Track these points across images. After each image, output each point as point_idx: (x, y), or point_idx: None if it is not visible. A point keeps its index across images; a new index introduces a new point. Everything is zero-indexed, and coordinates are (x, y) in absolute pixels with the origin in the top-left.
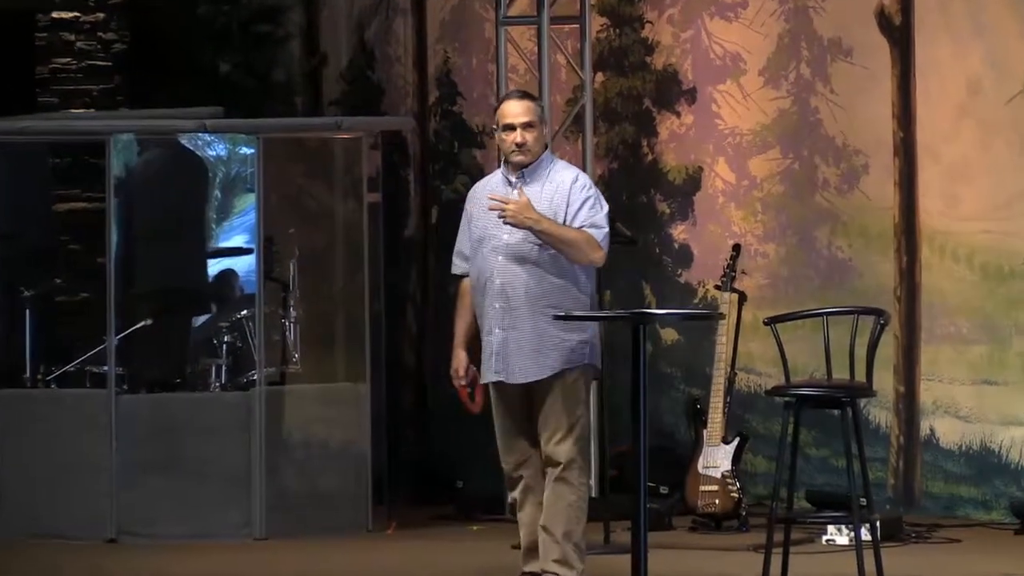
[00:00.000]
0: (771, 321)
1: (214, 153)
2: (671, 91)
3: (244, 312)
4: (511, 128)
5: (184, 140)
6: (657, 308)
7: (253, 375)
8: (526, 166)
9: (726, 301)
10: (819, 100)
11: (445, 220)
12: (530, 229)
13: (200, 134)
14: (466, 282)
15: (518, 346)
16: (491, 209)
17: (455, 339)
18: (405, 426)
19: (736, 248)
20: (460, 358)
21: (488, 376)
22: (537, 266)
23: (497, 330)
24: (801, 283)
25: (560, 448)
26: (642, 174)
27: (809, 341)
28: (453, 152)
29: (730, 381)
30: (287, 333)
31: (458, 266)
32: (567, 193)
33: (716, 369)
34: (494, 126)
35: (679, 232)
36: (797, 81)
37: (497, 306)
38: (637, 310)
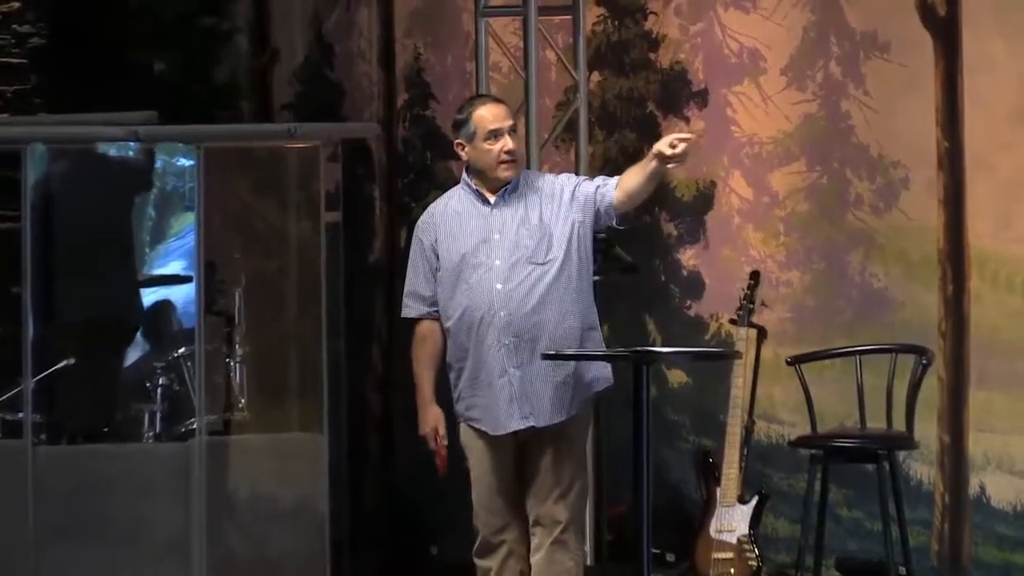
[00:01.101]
0: (795, 361)
1: (147, 165)
2: (679, 93)
3: (182, 350)
4: (498, 135)
5: (112, 150)
6: (662, 345)
7: (192, 423)
8: (509, 181)
9: (743, 337)
10: (851, 104)
11: None
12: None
13: (131, 143)
14: (425, 326)
15: (543, 383)
16: (676, 147)
17: (421, 394)
18: (369, 482)
19: (755, 276)
20: (436, 415)
21: (510, 424)
22: (546, 287)
23: (512, 369)
24: (830, 316)
25: (561, 505)
26: None
27: (839, 384)
28: (425, 163)
29: (747, 431)
30: (232, 374)
31: (412, 308)
32: (558, 199)
33: (731, 417)
34: (460, 140)
35: (688, 257)
36: (825, 82)
37: (507, 342)
38: (639, 348)
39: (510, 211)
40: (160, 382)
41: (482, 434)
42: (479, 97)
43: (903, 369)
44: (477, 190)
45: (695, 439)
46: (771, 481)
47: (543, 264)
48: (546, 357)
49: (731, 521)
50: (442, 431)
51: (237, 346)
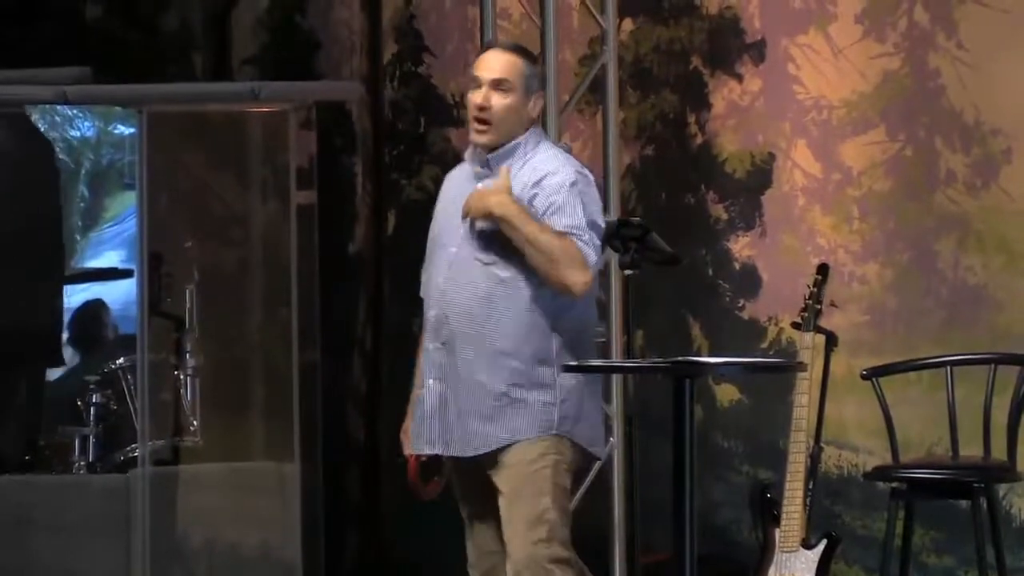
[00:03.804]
0: (872, 374)
1: (78, 133)
2: (730, 45)
3: (120, 361)
4: (477, 84)
5: (34, 114)
6: (709, 355)
7: (134, 450)
8: (491, 149)
9: (808, 345)
10: (941, 58)
11: (407, 229)
12: (490, 216)
13: (58, 106)
14: None
15: (457, 404)
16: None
17: (414, 389)
18: (350, 523)
19: (822, 270)
20: (408, 423)
21: (418, 445)
22: (488, 289)
23: (432, 381)
24: (915, 319)
25: (514, 551)
26: (688, 164)
27: (926, 402)
28: (418, 132)
29: (814, 460)
30: (182, 391)
31: (423, 284)
32: (532, 198)
33: (794, 443)
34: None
35: (741, 247)
36: (909, 31)
37: (433, 347)
38: (681, 358)
39: (489, 183)
40: (94, 400)
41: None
42: (493, 41)
43: (1005, 384)
44: (471, 157)
45: (749, 470)
46: (842, 521)
47: (489, 264)
48: (568, 369)
49: (793, 570)
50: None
51: (189, 356)
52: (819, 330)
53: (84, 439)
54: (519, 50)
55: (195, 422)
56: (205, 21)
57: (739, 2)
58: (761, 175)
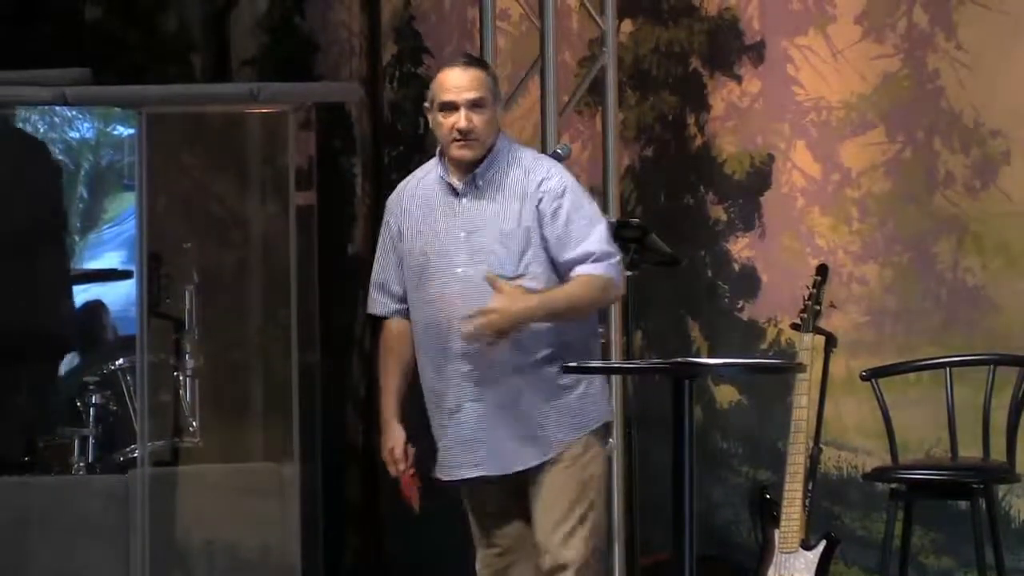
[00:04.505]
0: (871, 375)
1: (77, 134)
2: (729, 47)
3: (120, 362)
4: (451, 108)
5: (34, 115)
6: (708, 355)
7: (133, 451)
8: (476, 164)
9: (807, 346)
10: (940, 59)
11: None
12: (529, 321)
13: (58, 107)
14: (394, 326)
15: (502, 421)
16: (471, 337)
17: (384, 408)
18: (349, 525)
19: (822, 271)
20: (396, 435)
21: (460, 471)
22: None
23: (468, 404)
24: (915, 320)
25: (567, 547)
26: (688, 165)
27: (925, 403)
28: (417, 133)
29: (813, 461)
30: (182, 391)
31: (379, 303)
32: (537, 204)
33: (793, 444)
34: (426, 104)
35: (740, 248)
36: (909, 32)
37: (464, 370)
38: (680, 359)
39: (482, 204)
40: (93, 401)
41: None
42: (450, 59)
43: (1004, 385)
44: (442, 174)
45: (749, 471)
46: (842, 522)
47: (513, 279)
48: (567, 370)
49: (793, 570)
50: (399, 453)
51: (188, 357)
52: (818, 331)
53: (83, 440)
54: (479, 63)
55: (194, 423)
56: (204, 22)
57: (738, 3)
58: (760, 176)
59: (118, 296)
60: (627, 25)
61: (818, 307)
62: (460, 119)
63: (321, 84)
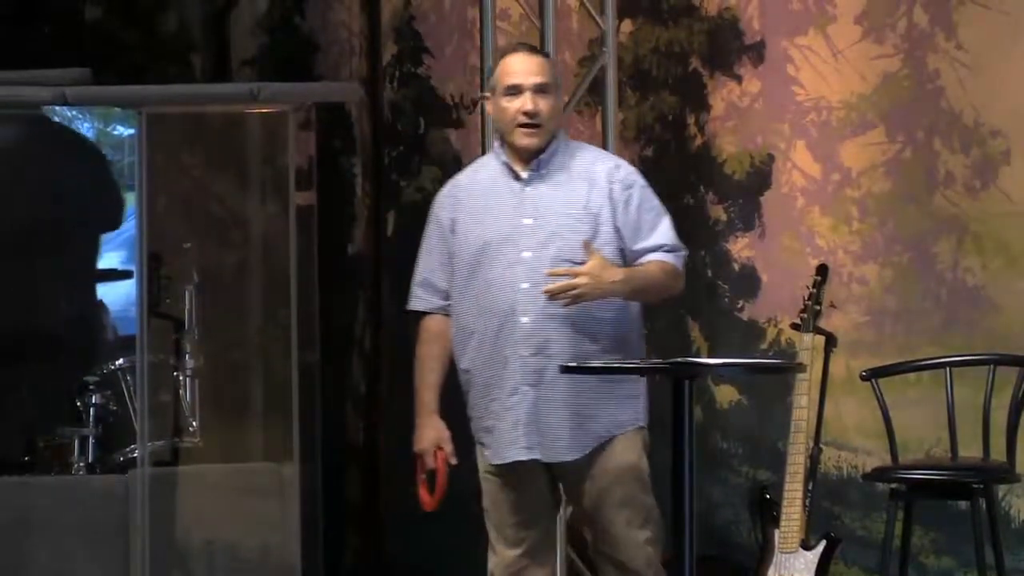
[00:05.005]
0: (871, 375)
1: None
2: (729, 46)
3: (120, 362)
4: (517, 91)
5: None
6: (708, 355)
7: (133, 451)
8: (540, 151)
9: (807, 346)
10: (940, 59)
11: (406, 230)
12: (610, 295)
13: (57, 107)
14: (435, 323)
15: (555, 409)
16: (553, 295)
17: (421, 403)
18: (349, 525)
19: (822, 271)
20: (437, 429)
21: (509, 453)
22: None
23: (526, 388)
24: (914, 320)
25: (641, 549)
26: (688, 165)
27: (925, 403)
28: (418, 133)
29: (813, 461)
30: (182, 391)
31: (422, 300)
32: (610, 191)
33: (793, 444)
34: (486, 94)
35: (740, 248)
36: (909, 32)
37: (524, 354)
38: (679, 359)
39: (548, 189)
40: (93, 401)
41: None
42: (512, 46)
43: (1004, 385)
44: (506, 161)
45: (749, 471)
46: (842, 522)
47: (581, 263)
48: (566, 370)
49: (793, 570)
50: (447, 448)
51: (188, 357)
52: (818, 331)
53: (83, 440)
54: (543, 52)
55: (194, 423)
56: (204, 22)
57: (738, 3)
58: (760, 176)
59: (118, 296)
60: (627, 25)
61: (818, 307)
62: (526, 102)
63: (321, 84)
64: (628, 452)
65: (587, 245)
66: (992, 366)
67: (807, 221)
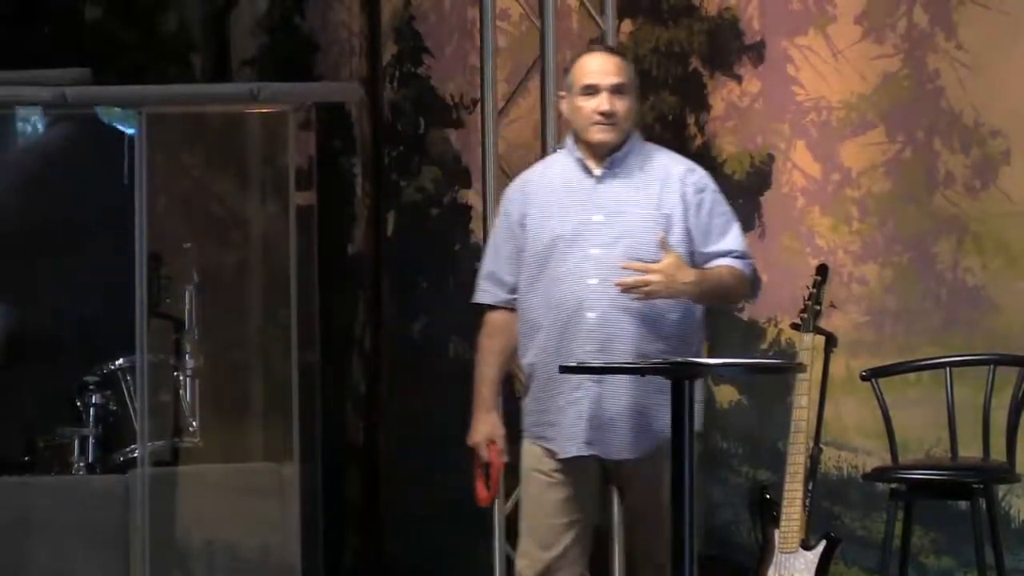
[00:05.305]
0: (871, 375)
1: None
2: (729, 46)
3: (120, 362)
4: (593, 91)
5: (33, 115)
6: (708, 355)
7: (133, 451)
8: (615, 149)
9: (807, 346)
10: (940, 59)
11: (406, 230)
12: (681, 295)
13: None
14: (500, 317)
15: (617, 407)
16: (626, 288)
17: (479, 396)
18: (349, 525)
19: (822, 271)
20: (493, 423)
21: (570, 449)
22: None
23: (590, 384)
24: (915, 320)
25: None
26: None
27: (925, 403)
28: (418, 133)
29: (813, 461)
30: (182, 391)
31: (488, 293)
32: (683, 194)
33: (793, 444)
34: (561, 92)
35: None
36: (909, 32)
37: (589, 349)
38: (679, 359)
39: (621, 187)
40: (93, 401)
41: (547, 459)
42: (595, 44)
43: (1004, 385)
44: (580, 157)
45: (749, 471)
46: (842, 522)
47: (652, 262)
48: (566, 370)
49: (793, 570)
50: (500, 444)
51: (188, 357)
52: (818, 331)
53: (83, 440)
54: (621, 52)
55: (194, 423)
56: (204, 22)
57: (738, 3)
58: (760, 176)
59: (118, 296)
60: (627, 25)
61: (818, 307)
62: (603, 102)
63: (321, 84)
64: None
65: (664, 243)
66: (992, 366)
67: (807, 221)
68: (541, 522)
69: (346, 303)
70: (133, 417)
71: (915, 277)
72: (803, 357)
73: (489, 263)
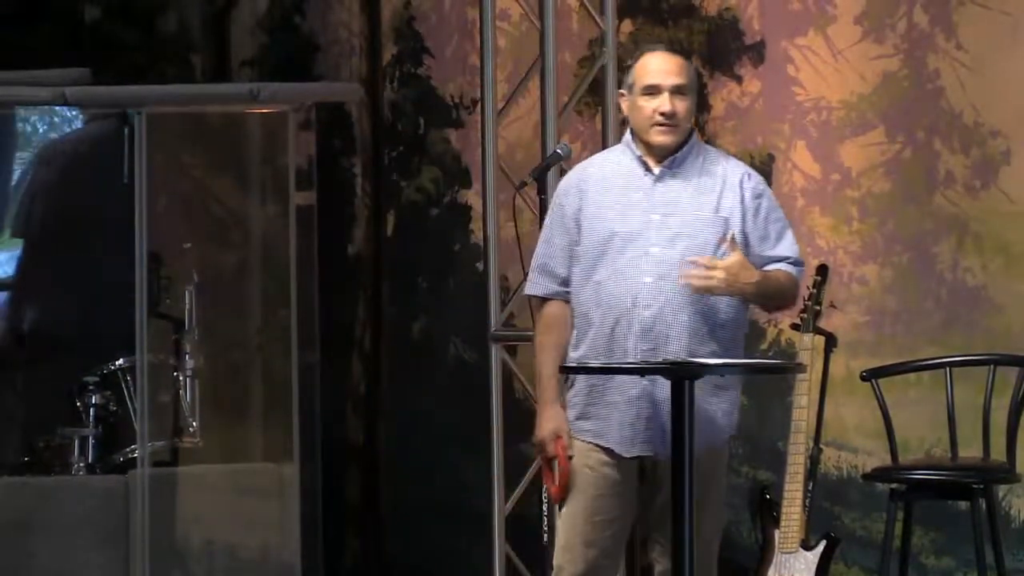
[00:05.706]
0: (871, 375)
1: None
2: (729, 46)
3: (120, 362)
4: (655, 91)
5: (32, 115)
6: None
7: (133, 451)
8: (675, 149)
9: (807, 346)
10: (940, 59)
11: (406, 231)
12: (740, 294)
13: (56, 107)
14: (554, 309)
15: (666, 406)
16: (689, 279)
17: (542, 390)
18: (349, 525)
19: (822, 271)
20: (557, 418)
21: (624, 448)
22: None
23: (644, 381)
24: (914, 320)
25: (712, 558)
26: None
27: (925, 404)
28: (418, 133)
29: (813, 461)
30: (181, 392)
31: (539, 284)
32: (741, 198)
33: (793, 444)
34: (621, 91)
35: None
36: (909, 32)
37: (643, 348)
38: (679, 359)
39: (679, 188)
40: (93, 401)
41: (595, 455)
42: (654, 45)
43: (1004, 385)
44: (639, 155)
45: (749, 471)
46: (842, 522)
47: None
48: (565, 370)
49: (793, 571)
50: (566, 440)
51: (188, 357)
52: (818, 331)
53: (83, 440)
54: (682, 53)
55: (194, 423)
56: (204, 22)
57: (738, 3)
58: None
59: (118, 296)
60: (627, 25)
61: (818, 307)
62: (664, 103)
63: (321, 84)
64: (721, 462)
65: (732, 242)
66: (992, 366)
67: (807, 221)
68: (588, 519)
69: (346, 303)
70: (133, 417)
71: (915, 277)
72: (803, 357)
73: (541, 254)
